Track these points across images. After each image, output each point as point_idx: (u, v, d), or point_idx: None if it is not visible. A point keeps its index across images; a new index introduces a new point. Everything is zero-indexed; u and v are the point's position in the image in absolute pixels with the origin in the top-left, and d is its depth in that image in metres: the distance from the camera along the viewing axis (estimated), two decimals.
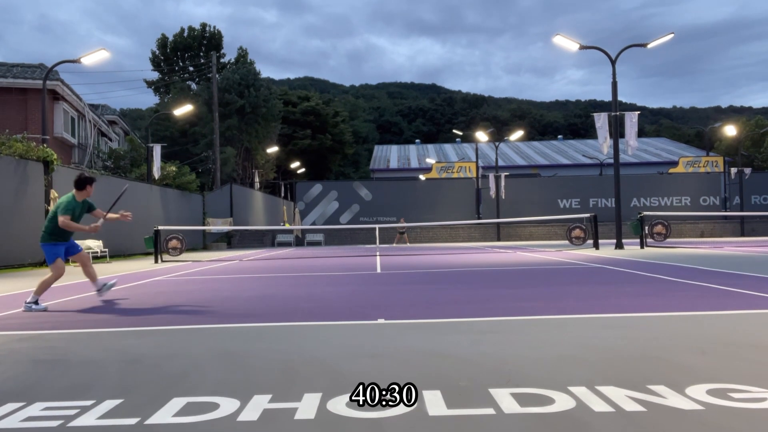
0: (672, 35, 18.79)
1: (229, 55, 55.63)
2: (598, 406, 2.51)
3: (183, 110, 28.53)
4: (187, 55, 50.10)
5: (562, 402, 2.57)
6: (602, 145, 19.08)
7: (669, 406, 2.49)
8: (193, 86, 49.34)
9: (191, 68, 49.66)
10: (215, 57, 37.74)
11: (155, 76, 50.47)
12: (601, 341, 3.92)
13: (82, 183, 6.92)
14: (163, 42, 49.76)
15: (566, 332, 4.31)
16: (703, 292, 6.55)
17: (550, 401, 2.58)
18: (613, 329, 4.40)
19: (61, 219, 6.57)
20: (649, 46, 18.86)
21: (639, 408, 2.47)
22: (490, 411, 2.47)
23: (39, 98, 20.59)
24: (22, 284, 9.91)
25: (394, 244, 29.84)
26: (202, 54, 49.49)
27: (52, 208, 7.27)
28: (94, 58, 17.79)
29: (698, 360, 3.32)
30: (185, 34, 49.66)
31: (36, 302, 6.35)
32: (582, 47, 18.71)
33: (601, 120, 18.83)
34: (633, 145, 18.46)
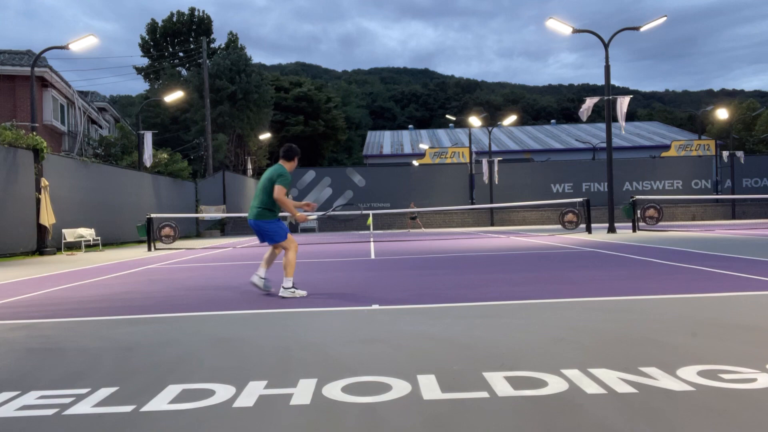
0: (665, 18, 18.73)
1: (219, 40, 55.12)
2: (591, 388, 2.54)
3: (173, 97, 28.25)
4: (176, 40, 49.52)
5: (555, 384, 2.59)
6: (582, 111, 19.14)
7: (660, 387, 2.52)
8: (184, 72, 48.84)
9: (181, 54, 49.12)
10: (205, 42, 37.33)
11: (145, 62, 49.91)
12: (594, 324, 3.96)
13: (292, 153, 6.13)
14: (152, 27, 49.13)
15: (559, 316, 4.34)
16: (695, 275, 6.61)
17: (543, 384, 2.61)
18: (605, 312, 4.44)
19: (278, 189, 5.76)
20: (642, 29, 18.79)
21: (631, 390, 2.50)
22: (484, 394, 2.49)
23: (27, 85, 20.34)
24: (14, 273, 9.86)
25: (409, 230, 29.02)
26: (191, 39, 48.94)
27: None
28: (82, 44, 17.53)
29: (689, 342, 3.36)
30: (174, 19, 49.03)
31: (294, 286, 5.85)
32: (575, 31, 18.63)
33: (591, 101, 18.90)
34: (622, 125, 18.65)
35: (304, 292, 5.86)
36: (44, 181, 15.67)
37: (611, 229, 18.22)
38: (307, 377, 2.84)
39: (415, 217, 29.78)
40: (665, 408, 2.27)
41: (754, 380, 2.58)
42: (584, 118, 19.53)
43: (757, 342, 3.30)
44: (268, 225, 5.92)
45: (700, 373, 2.70)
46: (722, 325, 3.82)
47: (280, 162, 6.06)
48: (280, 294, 5.80)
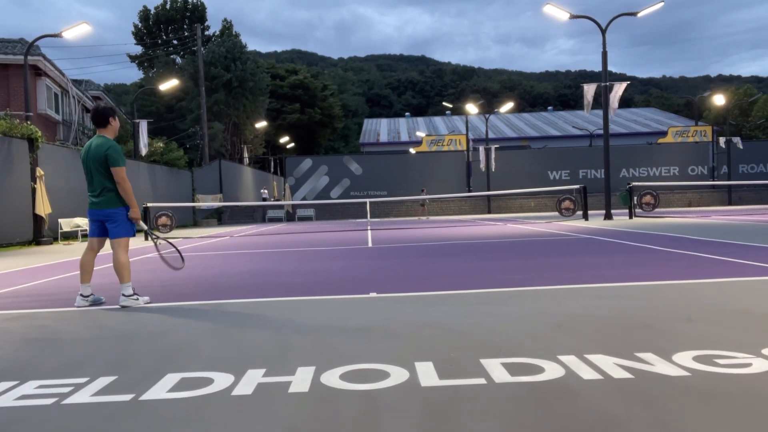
0: (662, 3, 18.62)
1: (214, 27, 54.71)
2: (587, 373, 2.55)
3: (168, 85, 28.06)
4: (170, 28, 49.07)
5: (551, 371, 2.61)
6: (586, 105, 19.11)
7: (656, 372, 2.54)
8: (178, 60, 48.47)
9: (175, 41, 48.71)
10: (200, 30, 36.97)
11: (139, 50, 49.49)
12: (590, 311, 3.98)
13: (104, 115, 4.94)
14: (145, 14, 48.65)
15: (556, 302, 4.36)
16: (690, 261, 6.63)
17: (540, 370, 2.63)
18: (601, 299, 4.46)
19: (119, 172, 4.81)
20: (639, 14, 18.70)
21: (627, 375, 2.52)
22: (482, 381, 2.51)
23: (21, 74, 20.12)
24: (11, 263, 9.84)
25: (417, 217, 28.40)
26: (185, 26, 48.49)
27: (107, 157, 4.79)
28: (75, 32, 17.36)
29: (685, 327, 3.38)
30: (167, 6, 48.55)
31: (135, 291, 4.99)
32: (572, 16, 18.52)
33: (588, 91, 18.82)
34: (614, 108, 18.48)
35: (147, 298, 5.04)
36: (39, 171, 15.59)
37: (608, 216, 18.26)
38: (305, 365, 2.85)
39: (423, 204, 29.30)
40: (661, 393, 2.29)
41: (749, 365, 2.60)
42: (587, 112, 19.52)
43: (753, 327, 3.32)
44: (119, 212, 4.90)
45: (696, 359, 2.71)
46: (718, 310, 3.84)
47: (100, 133, 4.96)
48: (121, 303, 4.86)
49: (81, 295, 4.97)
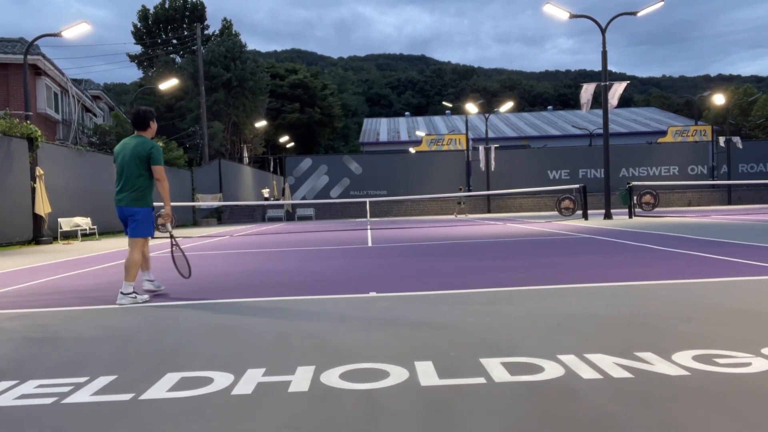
0: (662, 3, 18.62)
1: (213, 26, 54.66)
2: (587, 373, 2.55)
3: (168, 84, 28.06)
4: (169, 27, 49.05)
5: (551, 370, 2.61)
6: (583, 104, 19.09)
7: (656, 372, 2.54)
8: (178, 60, 48.45)
9: (175, 41, 48.68)
10: (199, 29, 36.95)
11: (138, 49, 49.47)
12: (590, 310, 3.98)
13: (145, 119, 5.15)
14: (144, 14, 48.61)
15: (555, 302, 4.36)
16: (690, 261, 6.64)
17: (539, 369, 2.63)
18: (601, 298, 4.46)
19: (163, 170, 5.07)
20: (639, 14, 18.70)
21: (626, 374, 2.52)
22: (481, 380, 2.51)
23: (20, 73, 20.12)
24: (11, 263, 9.84)
25: (455, 216, 27.88)
26: (185, 26, 48.48)
27: (126, 161, 5.02)
28: (75, 32, 17.35)
29: (684, 327, 3.38)
30: (167, 5, 48.52)
31: (135, 290, 5.10)
32: (572, 16, 18.52)
33: (587, 89, 18.81)
34: (613, 104, 18.42)
35: (146, 296, 5.13)
36: (39, 170, 15.58)
37: (607, 216, 18.27)
38: (305, 364, 2.85)
39: (460, 202, 28.99)
40: (660, 392, 2.29)
41: (748, 365, 2.60)
42: (585, 111, 19.52)
43: (752, 327, 3.32)
44: (141, 211, 5.13)
45: (695, 358, 2.72)
46: (717, 310, 3.84)
47: (138, 134, 5.17)
48: (118, 301, 4.96)
49: (147, 280, 5.46)
